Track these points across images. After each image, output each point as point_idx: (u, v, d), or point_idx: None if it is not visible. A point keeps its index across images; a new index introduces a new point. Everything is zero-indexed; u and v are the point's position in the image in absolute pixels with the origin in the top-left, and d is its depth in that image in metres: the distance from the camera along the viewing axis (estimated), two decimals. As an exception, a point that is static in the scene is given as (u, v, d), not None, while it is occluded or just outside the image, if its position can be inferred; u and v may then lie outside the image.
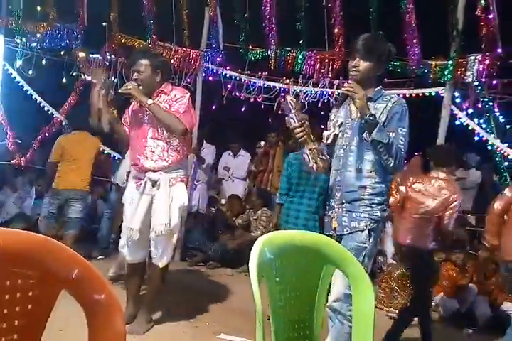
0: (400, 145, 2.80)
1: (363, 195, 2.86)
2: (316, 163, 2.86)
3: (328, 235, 2.85)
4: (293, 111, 2.82)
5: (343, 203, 2.92)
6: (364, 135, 2.85)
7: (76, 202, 5.78)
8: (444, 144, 5.01)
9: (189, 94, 3.99)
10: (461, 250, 5.33)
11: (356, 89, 2.76)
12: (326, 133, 3.06)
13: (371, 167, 2.85)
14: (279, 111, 6.25)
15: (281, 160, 6.80)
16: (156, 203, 3.85)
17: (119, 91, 3.85)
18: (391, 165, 2.78)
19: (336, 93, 6.13)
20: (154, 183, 3.86)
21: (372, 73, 2.92)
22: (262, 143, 7.60)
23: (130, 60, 4.21)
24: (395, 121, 2.84)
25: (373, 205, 2.87)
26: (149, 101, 3.77)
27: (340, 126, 2.99)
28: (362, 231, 2.86)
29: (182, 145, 3.92)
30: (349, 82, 2.85)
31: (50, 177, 5.90)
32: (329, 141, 3.01)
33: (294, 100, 2.86)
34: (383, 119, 2.83)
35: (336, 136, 3.00)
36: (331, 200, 3.00)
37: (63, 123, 7.91)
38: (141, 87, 3.83)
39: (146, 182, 3.87)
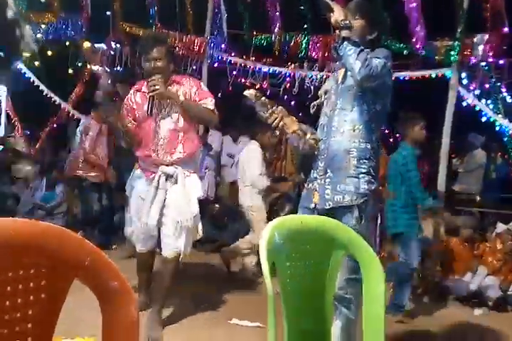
0: (372, 60, 2.56)
1: (348, 162, 2.66)
2: (305, 142, 2.78)
3: (305, 208, 2.78)
4: (257, 103, 2.72)
5: (326, 173, 2.72)
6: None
7: None
8: None
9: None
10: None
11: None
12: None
13: (353, 126, 2.69)
14: (285, 96, 6.23)
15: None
16: (172, 197, 3.65)
17: (149, 94, 3.50)
18: (357, 69, 2.54)
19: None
20: (169, 177, 3.66)
21: (362, 34, 2.74)
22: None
23: (141, 47, 3.83)
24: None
25: (360, 176, 2.66)
26: (181, 98, 3.56)
27: (325, 93, 2.89)
28: (350, 209, 2.65)
29: (196, 135, 3.80)
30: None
31: None
32: (313, 111, 2.91)
33: (253, 92, 2.72)
34: None
35: (321, 104, 2.89)
36: (313, 172, 2.81)
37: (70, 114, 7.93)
38: (160, 77, 3.50)
39: (160, 176, 3.66)
